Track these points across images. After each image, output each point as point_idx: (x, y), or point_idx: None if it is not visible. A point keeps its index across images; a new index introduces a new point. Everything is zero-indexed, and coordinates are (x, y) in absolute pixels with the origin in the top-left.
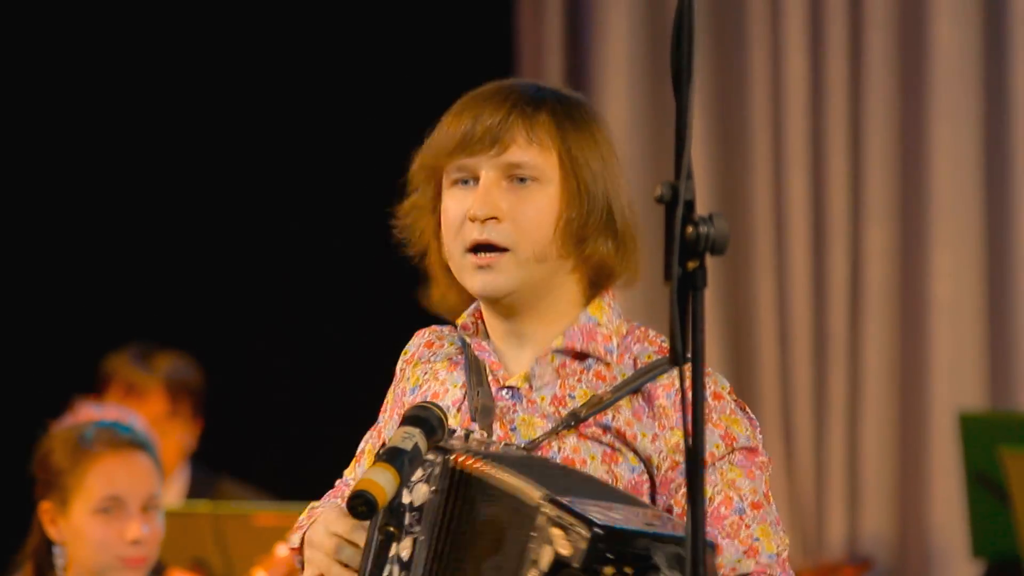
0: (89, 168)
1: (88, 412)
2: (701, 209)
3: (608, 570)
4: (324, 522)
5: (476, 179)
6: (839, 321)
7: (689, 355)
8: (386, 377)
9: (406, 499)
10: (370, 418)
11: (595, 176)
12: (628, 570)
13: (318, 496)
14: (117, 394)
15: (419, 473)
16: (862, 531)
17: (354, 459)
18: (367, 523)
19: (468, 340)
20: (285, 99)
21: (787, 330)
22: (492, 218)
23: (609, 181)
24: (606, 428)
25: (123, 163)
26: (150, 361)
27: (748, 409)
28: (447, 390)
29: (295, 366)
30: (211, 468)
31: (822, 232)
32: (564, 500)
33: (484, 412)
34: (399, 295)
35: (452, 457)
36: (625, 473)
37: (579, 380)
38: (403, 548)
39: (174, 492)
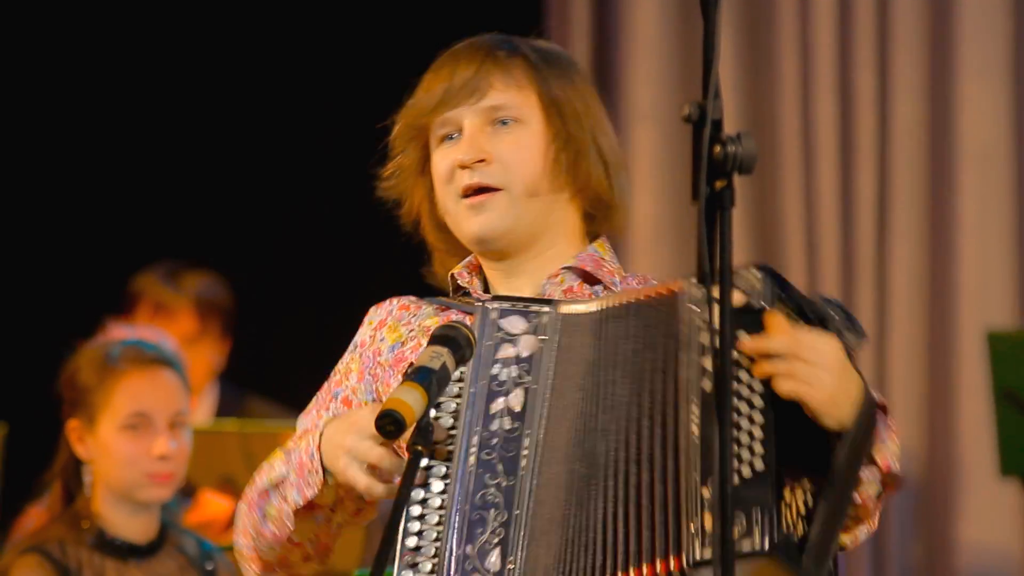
0: (117, 93)
1: (118, 331)
2: (729, 128)
3: (781, 307)
4: (358, 426)
5: (461, 131)
6: (867, 240)
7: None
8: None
9: (511, 352)
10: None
11: (577, 113)
12: (804, 303)
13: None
14: (146, 314)
15: (522, 325)
16: None
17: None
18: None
19: (464, 284)
20: (306, 30)
21: (814, 249)
22: (480, 160)
23: (594, 122)
24: None
25: (151, 85)
26: (179, 280)
27: None
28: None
29: (324, 284)
30: (239, 386)
31: (849, 151)
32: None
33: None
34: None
35: (559, 306)
36: None
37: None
38: (513, 400)
39: (203, 410)
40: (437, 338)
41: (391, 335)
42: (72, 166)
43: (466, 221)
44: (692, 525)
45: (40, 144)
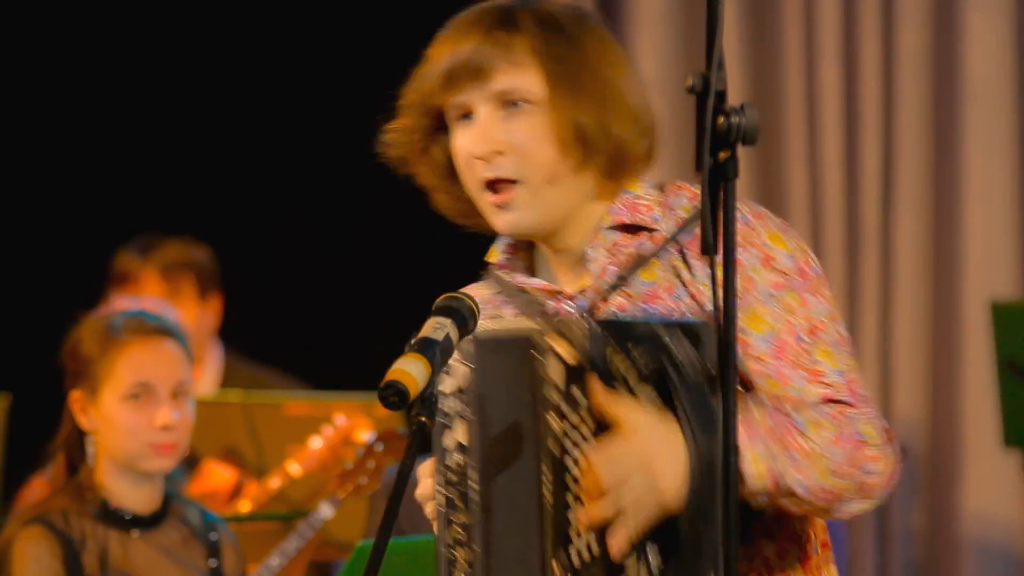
0: (120, 69)
1: (120, 302)
2: (733, 99)
3: (618, 358)
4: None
5: (473, 113)
6: (871, 211)
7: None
8: (421, 267)
9: (451, 385)
10: (407, 308)
11: (586, 84)
12: (637, 353)
13: (351, 386)
14: (116, 285)
15: (456, 355)
16: (894, 421)
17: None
18: None
19: (506, 277)
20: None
21: (819, 220)
22: (495, 152)
23: (608, 83)
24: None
25: (149, 61)
26: (148, 249)
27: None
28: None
29: (331, 256)
30: (245, 354)
31: (854, 121)
32: (555, 318)
33: (528, 305)
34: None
35: (476, 330)
36: None
37: (629, 256)
38: (459, 432)
39: (207, 376)
40: (440, 309)
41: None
42: (77, 136)
43: (493, 217)
44: None
45: (47, 114)
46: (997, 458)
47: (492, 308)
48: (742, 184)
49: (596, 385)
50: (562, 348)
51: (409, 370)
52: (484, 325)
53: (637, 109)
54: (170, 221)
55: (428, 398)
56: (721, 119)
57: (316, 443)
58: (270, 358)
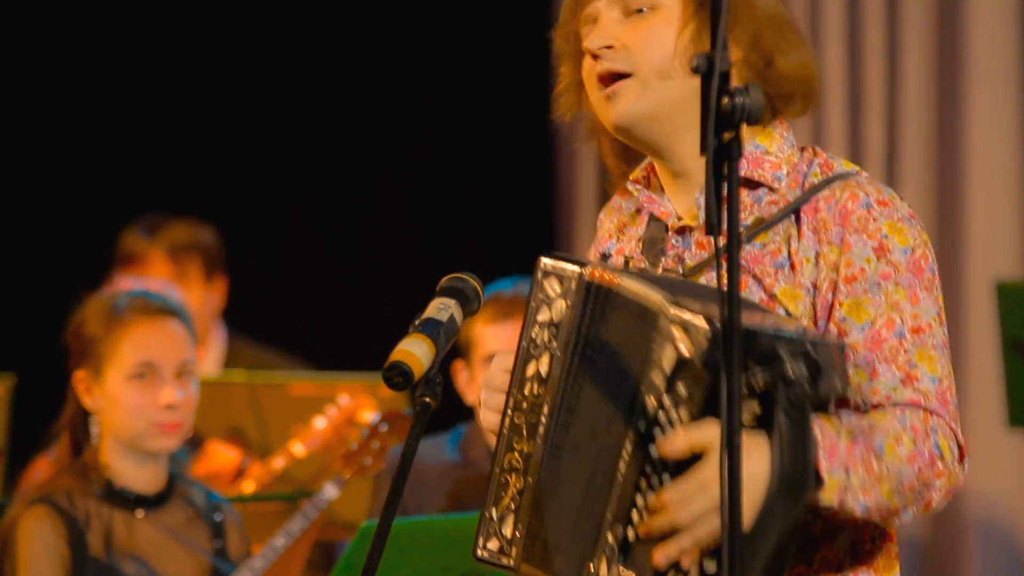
0: (126, 46)
1: (124, 282)
2: (736, 80)
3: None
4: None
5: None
6: None
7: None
8: (427, 252)
9: (546, 316)
10: (411, 289)
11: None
12: (753, 370)
13: (354, 365)
14: (122, 265)
15: (558, 288)
16: None
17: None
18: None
19: (636, 192)
20: None
21: None
22: (608, 47)
23: (768, 11)
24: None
25: (156, 39)
26: (155, 230)
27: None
28: (632, 242)
29: (336, 236)
30: (249, 336)
31: (858, 102)
32: (687, 303)
33: (650, 244)
34: (442, 167)
35: (588, 270)
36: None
37: (751, 213)
38: (542, 364)
39: (211, 358)
40: (445, 290)
41: (607, 227)
42: (81, 116)
43: (603, 112)
44: (591, 565)
45: (52, 94)
46: (1002, 438)
47: (619, 221)
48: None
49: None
50: (683, 338)
51: (413, 351)
52: (604, 243)
53: (780, 30)
54: (174, 201)
55: (432, 379)
56: (725, 100)
57: (320, 423)
58: (274, 339)
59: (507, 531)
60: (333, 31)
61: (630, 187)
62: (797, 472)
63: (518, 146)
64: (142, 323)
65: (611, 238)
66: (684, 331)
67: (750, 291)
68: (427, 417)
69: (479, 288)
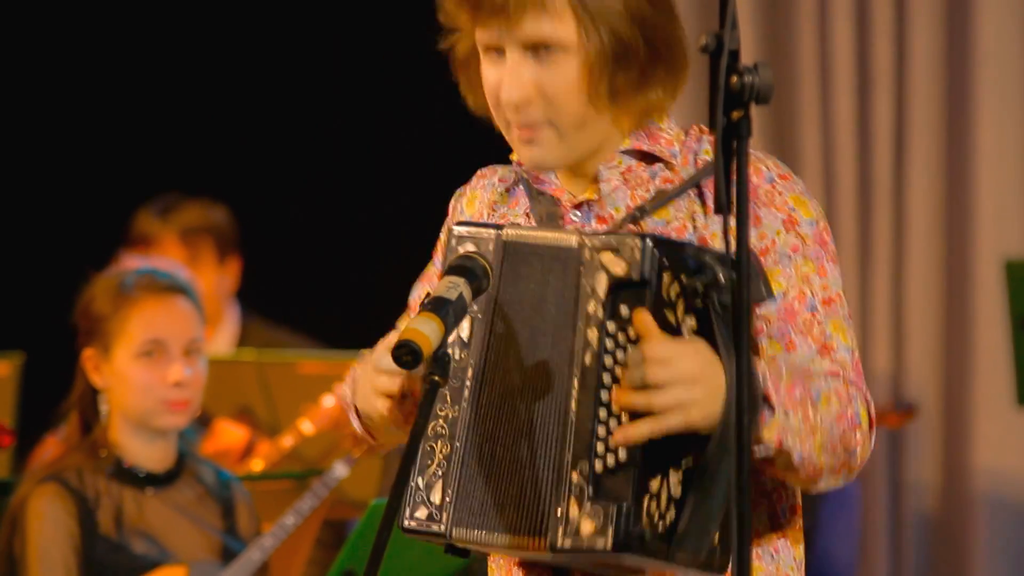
0: (136, 21)
1: (131, 261)
2: (746, 59)
3: (667, 278)
4: (373, 361)
5: (502, 51)
6: (884, 170)
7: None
8: (436, 230)
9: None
10: (419, 266)
11: (619, 25)
12: (689, 281)
13: (364, 344)
14: (135, 247)
15: (472, 249)
16: (906, 379)
17: (405, 310)
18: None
19: (524, 174)
20: None
21: (832, 179)
22: (525, 100)
23: (645, 15)
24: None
25: (167, 16)
26: (168, 211)
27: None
28: (507, 218)
29: (345, 214)
30: (262, 316)
31: (866, 80)
32: (603, 232)
33: (549, 219)
34: (453, 145)
35: (503, 230)
36: None
37: (647, 189)
38: (461, 329)
39: (224, 338)
40: (454, 268)
41: (468, 210)
42: (91, 94)
43: (519, 150)
44: (559, 510)
45: (61, 74)
46: (1010, 415)
47: (488, 199)
48: (754, 144)
49: (644, 320)
50: (612, 260)
51: (423, 329)
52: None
53: (673, 52)
54: (183, 181)
55: (441, 357)
56: (734, 78)
57: (329, 401)
58: (284, 318)
59: (435, 498)
60: (347, 9)
61: (516, 168)
62: (739, 388)
63: None
64: (150, 301)
65: (481, 216)
66: (613, 252)
67: None
68: (436, 395)
69: (488, 267)
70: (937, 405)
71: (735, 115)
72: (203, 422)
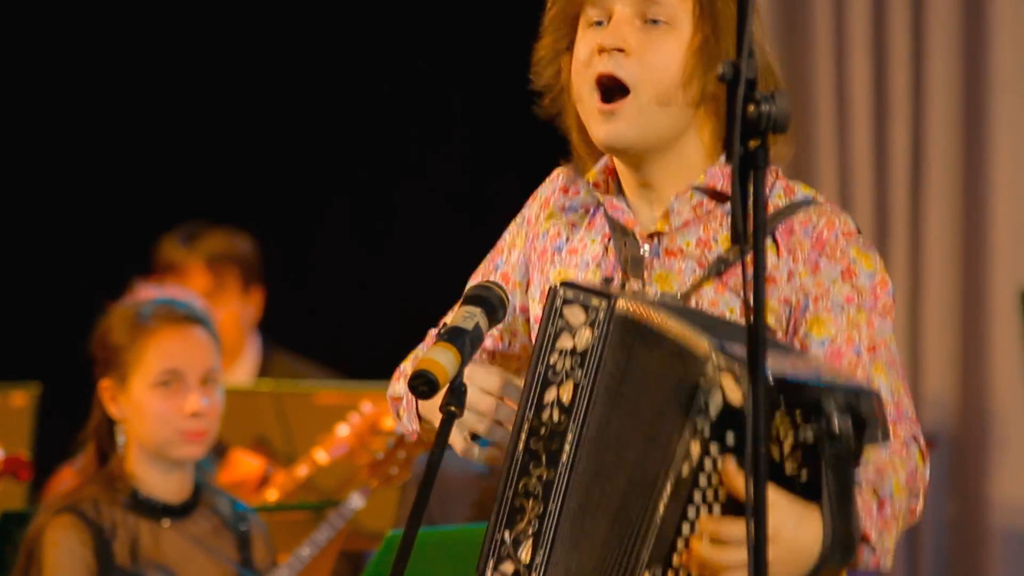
0: (152, 49)
1: (147, 291)
2: (762, 87)
3: (779, 417)
4: (474, 381)
5: (610, 19)
6: (900, 198)
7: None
8: (456, 261)
9: (568, 344)
10: (434, 298)
11: (728, 27)
12: (798, 417)
13: (380, 375)
14: (160, 274)
15: (582, 317)
16: (923, 408)
17: (457, 303)
18: (520, 378)
19: (601, 199)
20: None
21: (849, 207)
22: (619, 50)
23: (754, 32)
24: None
25: (185, 42)
26: (194, 239)
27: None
28: (585, 245)
29: (362, 244)
30: (281, 345)
31: (883, 110)
32: (733, 350)
33: (634, 263)
34: (474, 181)
35: (618, 302)
36: None
37: (720, 224)
38: (563, 392)
39: (245, 369)
40: (471, 298)
41: (546, 224)
42: (108, 123)
43: (596, 124)
44: None
45: (80, 101)
46: None
47: (567, 220)
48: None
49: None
50: (732, 388)
51: (439, 359)
52: (544, 222)
53: (771, 72)
54: (203, 209)
55: (457, 388)
56: (751, 107)
57: (343, 430)
58: (302, 347)
59: (524, 556)
60: (375, 41)
61: (593, 191)
62: (847, 539)
63: (545, 152)
64: (167, 331)
65: (560, 236)
66: (735, 380)
67: (732, 302)
68: (452, 426)
69: (504, 297)
70: (954, 434)
71: (752, 144)
72: (219, 452)
